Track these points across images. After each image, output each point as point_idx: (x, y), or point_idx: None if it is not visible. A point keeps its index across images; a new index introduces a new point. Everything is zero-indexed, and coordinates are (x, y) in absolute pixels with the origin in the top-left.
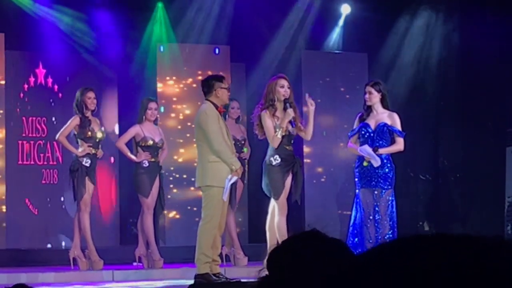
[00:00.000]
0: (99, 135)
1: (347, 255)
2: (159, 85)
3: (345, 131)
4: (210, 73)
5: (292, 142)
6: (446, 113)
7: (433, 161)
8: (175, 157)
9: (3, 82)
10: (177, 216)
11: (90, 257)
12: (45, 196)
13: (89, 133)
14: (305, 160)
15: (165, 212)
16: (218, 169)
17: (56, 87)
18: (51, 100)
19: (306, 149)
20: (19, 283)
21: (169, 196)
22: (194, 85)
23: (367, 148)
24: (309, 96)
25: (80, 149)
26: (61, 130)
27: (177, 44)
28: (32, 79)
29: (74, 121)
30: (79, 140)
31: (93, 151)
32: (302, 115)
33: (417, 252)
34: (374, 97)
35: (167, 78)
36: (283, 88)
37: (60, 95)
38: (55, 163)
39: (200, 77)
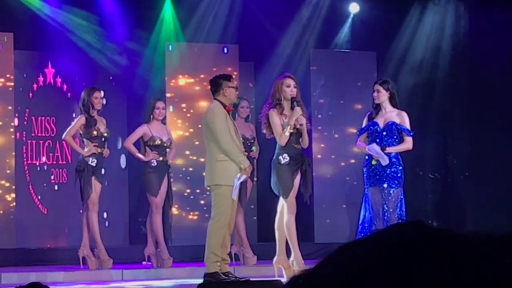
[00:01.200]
0: (105, 134)
1: (452, 247)
2: (167, 84)
3: (354, 129)
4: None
5: (300, 140)
6: (455, 111)
7: (442, 159)
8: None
9: (12, 82)
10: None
11: (100, 256)
12: (54, 195)
13: (95, 132)
14: (314, 159)
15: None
16: (226, 168)
17: (65, 86)
18: (60, 100)
19: (315, 148)
20: (33, 281)
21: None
22: (204, 84)
23: (375, 147)
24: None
25: (86, 149)
26: (67, 129)
27: (186, 43)
28: (41, 79)
29: (80, 121)
30: (85, 140)
31: (99, 151)
32: (310, 117)
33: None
34: (382, 95)
35: (176, 77)
36: (289, 88)
37: (69, 94)
38: (64, 162)
39: (209, 76)
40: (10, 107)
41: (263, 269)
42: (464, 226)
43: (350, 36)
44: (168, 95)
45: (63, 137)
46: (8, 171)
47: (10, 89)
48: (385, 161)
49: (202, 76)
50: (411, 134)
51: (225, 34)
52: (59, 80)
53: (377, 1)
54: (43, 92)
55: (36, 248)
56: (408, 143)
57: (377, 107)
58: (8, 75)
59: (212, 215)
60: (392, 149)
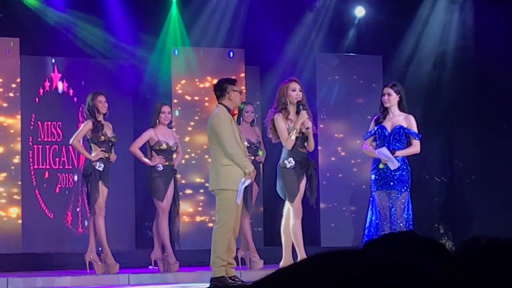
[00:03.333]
0: (112, 139)
1: (443, 255)
2: (173, 88)
3: (360, 133)
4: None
5: (305, 144)
6: (461, 115)
7: (448, 163)
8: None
9: (18, 87)
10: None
11: (106, 260)
12: (60, 200)
13: (102, 137)
14: (320, 163)
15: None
16: (231, 172)
17: (71, 91)
18: (66, 105)
19: (321, 152)
20: (37, 287)
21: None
22: (209, 89)
23: (384, 151)
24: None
25: (93, 154)
26: (75, 134)
27: (191, 47)
28: (47, 84)
29: (87, 126)
30: (92, 145)
31: (106, 155)
32: (316, 121)
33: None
34: (394, 99)
35: (182, 81)
36: (294, 92)
37: (75, 99)
38: (70, 167)
39: (214, 81)
40: (16, 112)
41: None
42: (470, 229)
43: (356, 40)
44: (174, 99)
45: (70, 141)
46: (14, 176)
47: (17, 94)
48: (394, 165)
49: (208, 80)
50: (419, 137)
51: (231, 38)
52: (65, 85)
53: (383, 4)
54: (49, 97)
55: (43, 253)
56: (416, 147)
57: (384, 111)
58: (14, 80)
59: (216, 220)
60: (400, 153)
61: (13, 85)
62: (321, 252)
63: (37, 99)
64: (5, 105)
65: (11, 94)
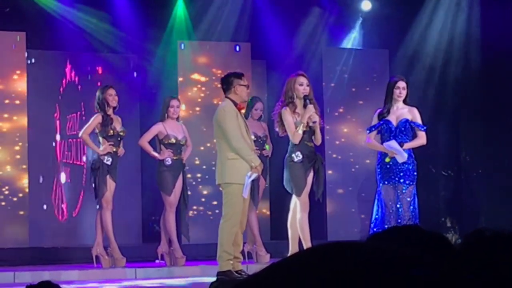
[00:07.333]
0: (121, 133)
1: (447, 248)
2: (180, 82)
3: (366, 127)
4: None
5: (313, 138)
6: (468, 108)
7: (455, 156)
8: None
9: (24, 80)
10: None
11: (113, 254)
12: (68, 194)
13: (111, 131)
14: (326, 157)
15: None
16: (237, 166)
17: (79, 86)
18: (73, 99)
19: (327, 146)
20: (44, 280)
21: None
22: (215, 83)
23: (393, 144)
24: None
25: (101, 147)
26: (84, 128)
27: (198, 41)
28: (63, 79)
29: (96, 119)
30: (100, 138)
31: (114, 149)
32: (322, 115)
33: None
34: (406, 92)
35: (188, 75)
36: (302, 86)
37: (82, 93)
38: (78, 161)
39: (221, 75)
40: (23, 106)
41: None
42: (477, 223)
43: (362, 34)
44: (180, 93)
45: (79, 135)
46: (21, 171)
47: (23, 86)
48: (403, 157)
49: (214, 74)
50: (424, 129)
51: (237, 32)
52: (73, 79)
53: None
54: (58, 91)
55: (50, 247)
56: (422, 138)
57: (388, 105)
58: (20, 73)
59: (223, 214)
60: (408, 145)
61: (20, 80)
62: (322, 244)
63: (43, 94)
64: (10, 101)
65: (19, 89)
